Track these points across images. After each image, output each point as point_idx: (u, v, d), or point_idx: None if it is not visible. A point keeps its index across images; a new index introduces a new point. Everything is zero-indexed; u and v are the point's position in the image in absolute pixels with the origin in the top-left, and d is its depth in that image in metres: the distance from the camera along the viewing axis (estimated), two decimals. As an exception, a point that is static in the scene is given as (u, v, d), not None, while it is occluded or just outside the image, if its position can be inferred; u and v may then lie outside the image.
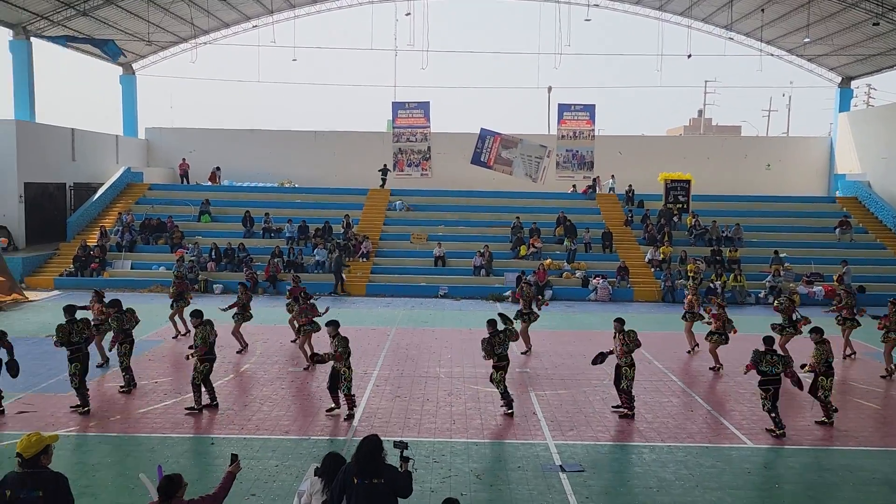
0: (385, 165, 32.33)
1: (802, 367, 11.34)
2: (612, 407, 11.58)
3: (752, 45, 36.10)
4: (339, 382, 10.78)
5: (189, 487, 5.37)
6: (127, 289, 23.02)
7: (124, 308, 12.53)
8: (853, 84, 37.39)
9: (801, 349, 13.68)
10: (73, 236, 27.38)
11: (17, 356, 10.92)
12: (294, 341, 15.76)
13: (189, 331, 15.91)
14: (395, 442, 5.89)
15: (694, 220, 28.13)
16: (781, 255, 25.60)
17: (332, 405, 11.06)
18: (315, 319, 14.23)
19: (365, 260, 25.69)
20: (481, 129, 31.83)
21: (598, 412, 11.52)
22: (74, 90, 76.54)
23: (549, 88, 44.44)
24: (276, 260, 24.44)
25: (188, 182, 33.42)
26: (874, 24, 28.67)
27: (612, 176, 32.92)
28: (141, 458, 9.21)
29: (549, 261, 25.32)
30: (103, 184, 30.43)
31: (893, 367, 14.21)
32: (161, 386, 12.53)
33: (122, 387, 12.13)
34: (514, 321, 13.53)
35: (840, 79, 36.71)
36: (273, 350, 15.47)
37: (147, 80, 40.34)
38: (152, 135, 37.70)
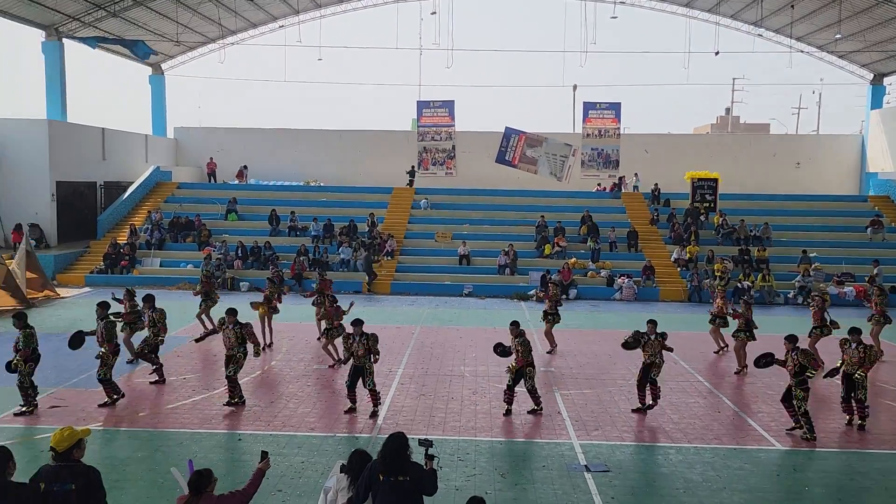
0: (413, 167, 32.44)
1: (832, 372, 11.13)
2: (634, 410, 11.47)
3: (782, 42, 35.52)
4: (365, 378, 10.86)
5: (217, 483, 5.44)
6: (156, 286, 23.32)
7: (156, 306, 12.85)
8: (886, 81, 36.62)
9: (834, 351, 13.44)
10: (103, 234, 27.85)
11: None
12: (319, 339, 15.87)
13: (216, 330, 16.09)
14: (420, 440, 5.90)
15: (721, 219, 27.79)
16: (811, 255, 25.20)
17: (350, 405, 11.10)
18: (341, 322, 14.32)
19: (390, 258, 25.79)
20: (506, 127, 31.76)
21: (624, 412, 11.44)
22: (105, 90, 77.89)
23: (575, 87, 44.18)
24: (301, 258, 24.65)
25: (215, 181, 33.83)
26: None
27: (636, 174, 32.66)
28: (170, 453, 9.34)
29: (573, 260, 25.19)
30: (133, 182, 30.91)
31: None
32: (189, 382, 12.70)
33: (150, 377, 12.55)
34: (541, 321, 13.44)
35: (872, 76, 36.02)
36: (299, 347, 15.60)
37: (175, 80, 40.87)
38: (181, 134, 38.23)
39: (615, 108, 33.18)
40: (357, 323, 11.05)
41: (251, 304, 15.82)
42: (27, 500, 4.72)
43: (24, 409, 10.65)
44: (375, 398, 10.95)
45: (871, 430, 10.76)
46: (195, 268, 24.38)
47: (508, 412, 11.07)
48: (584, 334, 17.64)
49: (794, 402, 10.22)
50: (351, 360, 10.93)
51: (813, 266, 24.52)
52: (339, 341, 14.37)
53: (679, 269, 25.25)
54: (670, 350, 11.62)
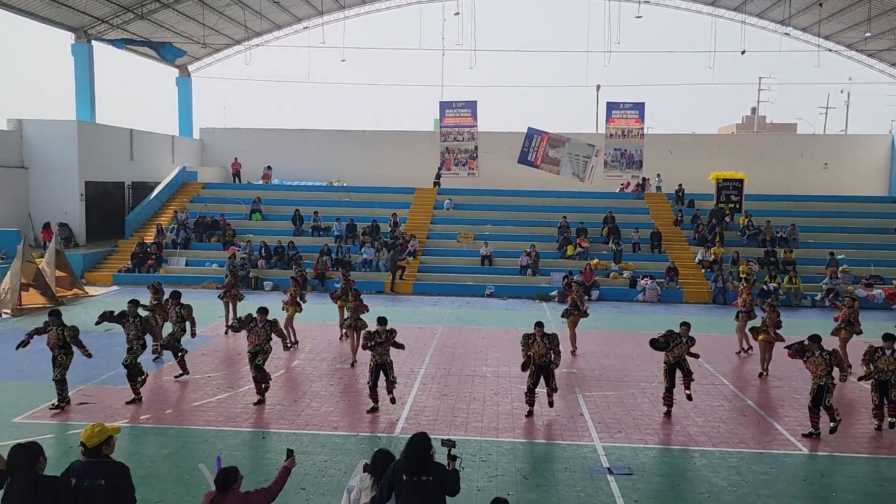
0: (440, 169, 32.56)
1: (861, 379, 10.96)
2: (686, 392, 11.40)
3: (810, 41, 35.03)
4: (388, 372, 10.99)
5: (243, 480, 5.50)
6: (181, 285, 23.60)
7: (182, 303, 13.09)
8: (917, 80, 35.95)
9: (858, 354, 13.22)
10: (130, 233, 28.27)
11: (77, 349, 11.34)
12: (341, 339, 15.99)
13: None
14: (442, 440, 5.92)
15: (747, 220, 27.46)
16: (838, 257, 24.80)
17: (373, 404, 11.18)
18: (361, 317, 14.40)
19: (412, 258, 25.85)
20: (528, 128, 31.69)
21: (647, 414, 11.36)
22: (133, 92, 78.99)
23: (598, 87, 43.88)
24: (324, 258, 24.82)
25: (240, 181, 34.17)
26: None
27: (658, 175, 32.40)
28: (195, 449, 9.47)
29: (595, 261, 25.06)
30: (160, 183, 31.31)
31: None
32: (214, 380, 12.85)
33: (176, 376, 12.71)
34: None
35: (903, 74, 35.35)
36: (322, 347, 15.71)
37: (201, 81, 41.38)
38: (206, 135, 38.68)
39: (639, 108, 32.95)
40: (382, 321, 11.13)
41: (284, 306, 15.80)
42: (58, 495, 4.81)
43: (58, 404, 10.89)
44: (390, 386, 11.12)
45: (900, 435, 10.57)
46: (220, 267, 24.64)
47: (530, 413, 11.06)
48: (606, 336, 17.55)
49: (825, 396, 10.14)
50: (374, 359, 11.00)
51: (841, 268, 24.12)
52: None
53: (703, 270, 25.00)
54: (696, 356, 11.52)
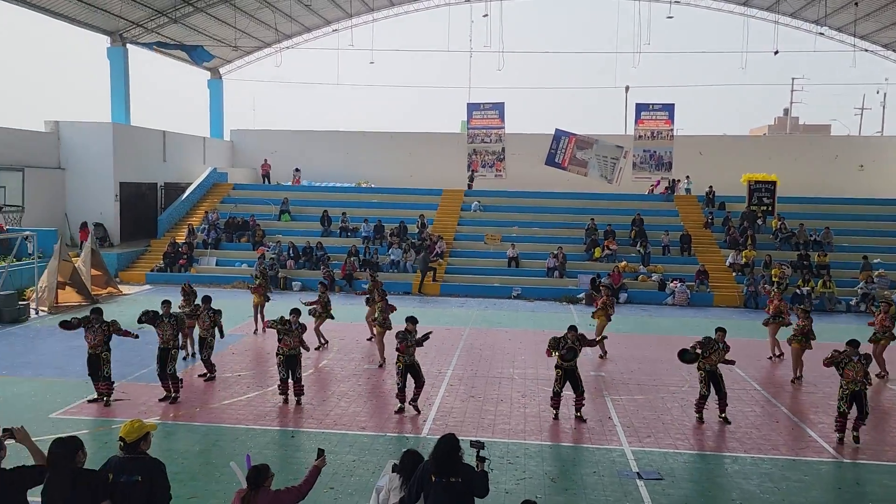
0: (473, 171, 32.57)
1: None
2: (721, 416, 11.18)
3: (845, 41, 34.41)
4: (417, 373, 11.03)
5: (273, 478, 5.56)
6: (212, 284, 23.96)
7: (213, 307, 13.23)
8: (957, 80, 35.06)
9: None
10: (163, 233, 28.72)
11: (111, 346, 11.55)
12: (370, 339, 16.07)
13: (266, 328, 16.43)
14: (471, 441, 5.92)
15: (780, 223, 27.02)
16: (873, 261, 24.28)
17: (400, 404, 11.23)
18: (389, 317, 14.45)
19: (439, 260, 25.89)
20: (556, 129, 31.55)
21: (677, 419, 11.24)
22: (166, 94, 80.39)
23: (627, 88, 43.63)
24: (352, 259, 24.97)
25: (269, 182, 34.54)
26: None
27: (687, 176, 32.04)
28: (226, 447, 9.59)
29: (623, 263, 24.85)
30: (191, 183, 31.79)
31: None
32: (244, 378, 13.01)
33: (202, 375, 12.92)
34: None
35: (942, 74, 34.51)
36: (350, 347, 15.80)
37: (232, 83, 41.92)
38: (237, 136, 39.18)
39: (668, 109, 32.62)
40: (412, 320, 11.18)
41: (309, 311, 15.69)
42: (97, 489, 4.91)
43: (105, 398, 11.27)
44: (419, 392, 11.21)
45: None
46: (249, 267, 24.93)
47: (556, 416, 11.02)
48: (634, 339, 17.39)
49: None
50: (402, 361, 11.05)
51: (876, 273, 23.61)
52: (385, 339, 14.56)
53: (734, 273, 24.65)
54: (732, 363, 11.36)
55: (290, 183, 34.28)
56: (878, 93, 50.79)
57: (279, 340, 11.51)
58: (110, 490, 4.97)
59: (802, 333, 13.61)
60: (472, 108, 33.70)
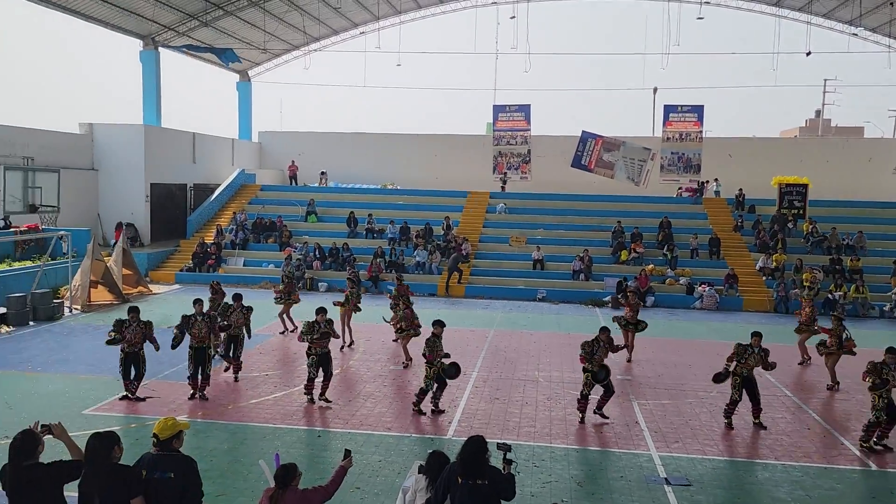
0: (506, 174, 32.64)
1: None
2: (756, 421, 11.04)
3: (879, 42, 33.73)
4: (443, 380, 11.04)
5: (301, 477, 5.60)
6: (239, 285, 24.17)
7: (245, 305, 13.40)
8: None
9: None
10: (192, 234, 29.12)
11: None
12: (395, 340, 16.13)
13: (296, 327, 16.59)
14: (498, 444, 5.90)
15: (811, 226, 26.56)
16: (909, 266, 23.75)
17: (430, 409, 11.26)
18: (420, 324, 14.51)
19: (465, 262, 25.89)
20: (583, 131, 31.37)
21: (705, 424, 11.11)
22: (195, 96, 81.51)
23: (655, 89, 43.13)
24: (378, 260, 25.09)
25: (297, 183, 34.85)
26: None
27: (716, 179, 31.64)
28: (254, 446, 9.69)
29: (651, 266, 24.62)
30: (220, 185, 32.19)
31: None
32: (271, 378, 13.14)
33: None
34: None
35: (981, 75, 33.66)
36: (375, 348, 15.88)
37: (261, 86, 42.38)
38: (264, 138, 39.59)
39: (697, 110, 32.24)
40: (439, 324, 11.22)
41: (334, 302, 16.03)
42: (132, 484, 5.00)
43: (133, 394, 11.50)
44: (440, 393, 11.29)
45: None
46: (276, 268, 25.16)
47: (583, 420, 10.96)
48: (661, 343, 17.21)
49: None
50: (433, 367, 11.08)
51: (911, 278, 23.10)
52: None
53: (764, 278, 24.29)
54: (772, 367, 11.13)
55: (316, 184, 34.56)
56: (913, 94, 49.64)
57: (316, 342, 11.53)
58: (144, 486, 5.06)
59: (832, 345, 13.41)
60: (498, 109, 33.65)
